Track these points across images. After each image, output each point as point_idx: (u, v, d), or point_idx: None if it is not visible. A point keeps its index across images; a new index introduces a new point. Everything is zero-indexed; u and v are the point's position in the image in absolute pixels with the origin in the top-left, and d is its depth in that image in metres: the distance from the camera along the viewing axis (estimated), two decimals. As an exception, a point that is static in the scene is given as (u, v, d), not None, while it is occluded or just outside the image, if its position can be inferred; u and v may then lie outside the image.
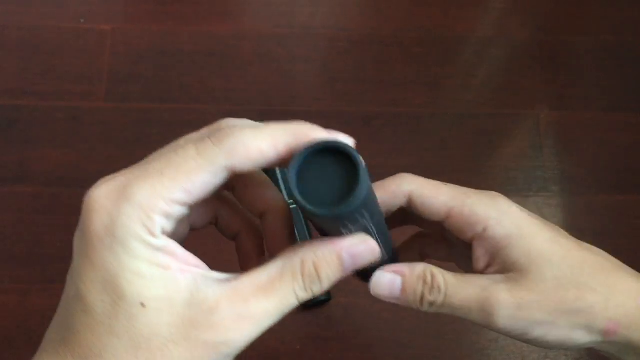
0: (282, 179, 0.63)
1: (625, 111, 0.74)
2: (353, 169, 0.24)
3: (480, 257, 0.33)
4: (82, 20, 0.74)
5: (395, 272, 0.33)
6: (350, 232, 0.28)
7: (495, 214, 0.33)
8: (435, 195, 0.34)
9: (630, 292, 0.32)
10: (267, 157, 0.26)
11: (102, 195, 0.25)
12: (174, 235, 0.27)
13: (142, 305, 0.24)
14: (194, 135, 0.28)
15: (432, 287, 0.33)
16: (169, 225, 0.26)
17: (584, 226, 0.68)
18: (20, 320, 0.59)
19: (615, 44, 0.78)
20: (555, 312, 0.31)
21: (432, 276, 0.33)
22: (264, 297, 0.26)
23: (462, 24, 0.78)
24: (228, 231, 0.34)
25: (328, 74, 0.73)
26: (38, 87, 0.70)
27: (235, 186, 0.31)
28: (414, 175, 0.36)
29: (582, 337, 0.31)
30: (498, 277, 0.32)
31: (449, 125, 0.72)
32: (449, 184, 0.35)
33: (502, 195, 0.35)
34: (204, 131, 0.28)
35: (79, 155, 0.66)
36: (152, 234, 0.25)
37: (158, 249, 0.25)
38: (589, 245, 0.36)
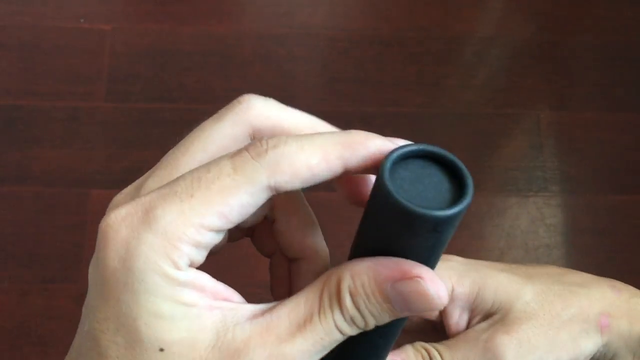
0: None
1: (625, 111, 0.74)
2: (454, 178, 0.21)
3: (457, 318, 0.32)
4: (82, 20, 0.74)
5: None
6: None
7: (454, 272, 0.33)
8: None
9: (600, 284, 0.32)
10: (317, 173, 0.22)
11: (119, 220, 0.21)
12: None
13: (161, 350, 0.21)
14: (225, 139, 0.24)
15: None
16: (198, 255, 0.22)
17: (584, 226, 0.68)
18: (20, 319, 0.59)
19: (616, 44, 0.78)
20: (553, 330, 0.31)
21: (427, 352, 0.31)
22: (300, 335, 0.22)
23: (462, 24, 0.78)
24: (263, 249, 0.29)
25: (328, 74, 0.73)
26: (38, 87, 0.70)
27: (276, 218, 0.26)
28: None
29: (586, 344, 0.31)
30: (484, 324, 0.31)
31: (449, 125, 0.72)
32: None
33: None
34: (229, 117, 0.24)
35: (78, 155, 0.66)
36: (178, 267, 0.21)
37: (183, 284, 0.21)
38: (533, 265, 0.36)
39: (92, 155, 0.67)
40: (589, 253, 0.66)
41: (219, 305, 0.22)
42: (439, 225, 0.21)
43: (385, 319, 0.22)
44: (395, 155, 0.21)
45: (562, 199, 0.69)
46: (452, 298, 0.32)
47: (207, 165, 0.22)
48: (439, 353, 0.31)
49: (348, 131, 0.22)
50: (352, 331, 0.22)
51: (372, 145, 0.22)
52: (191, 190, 0.21)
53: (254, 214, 0.24)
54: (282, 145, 0.22)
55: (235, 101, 0.24)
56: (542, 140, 0.72)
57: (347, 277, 0.22)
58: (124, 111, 0.69)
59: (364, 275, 0.22)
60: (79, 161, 0.66)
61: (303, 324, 0.22)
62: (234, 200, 0.21)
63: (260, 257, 0.70)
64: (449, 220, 0.20)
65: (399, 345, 0.33)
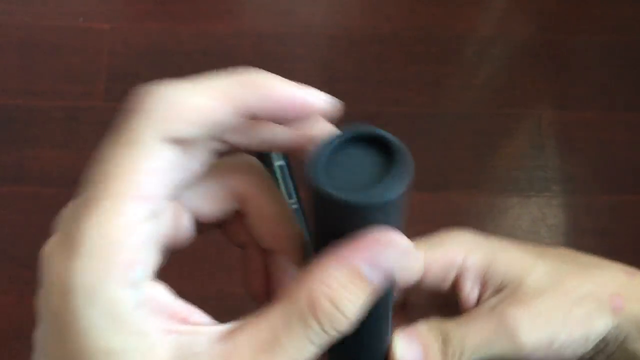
0: (282, 176, 0.63)
1: (627, 111, 0.74)
2: (390, 157, 0.20)
3: (469, 291, 0.31)
4: (81, 20, 0.74)
5: (412, 341, 0.28)
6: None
7: (465, 245, 0.32)
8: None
9: (613, 266, 0.32)
10: (211, 116, 0.20)
11: (50, 251, 0.19)
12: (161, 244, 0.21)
13: None
14: None
15: (447, 344, 0.29)
16: (150, 257, 0.19)
17: (585, 226, 0.68)
18: (19, 320, 0.59)
19: (617, 44, 0.78)
20: (567, 305, 0.30)
21: (441, 329, 0.30)
22: (267, 359, 0.20)
23: (463, 23, 0.78)
24: (235, 240, 0.27)
25: (328, 73, 0.73)
26: (37, 86, 0.70)
27: (247, 212, 0.25)
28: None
29: (599, 322, 0.31)
30: (495, 299, 0.31)
31: (449, 125, 0.72)
32: None
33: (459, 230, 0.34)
34: None
35: (77, 154, 0.66)
36: (124, 284, 0.18)
37: (135, 305, 0.19)
38: (545, 246, 0.35)
39: (91, 155, 0.66)
40: (591, 253, 0.65)
41: (176, 329, 0.20)
42: (378, 209, 0.20)
43: (366, 300, 0.20)
44: (324, 146, 0.20)
45: (563, 199, 0.69)
46: (464, 269, 0.31)
47: (107, 157, 0.20)
48: (452, 330, 0.30)
49: (246, 71, 0.21)
50: (329, 339, 0.20)
51: (276, 86, 0.21)
52: (96, 192, 0.19)
53: (220, 209, 0.23)
54: (171, 92, 0.20)
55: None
56: (543, 140, 0.72)
57: (318, 284, 0.20)
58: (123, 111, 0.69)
59: (335, 272, 0.20)
60: (77, 161, 0.66)
61: (269, 347, 0.20)
62: (140, 177, 0.19)
63: (259, 258, 0.67)
64: (382, 203, 0.19)
65: (410, 322, 0.32)
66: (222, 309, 0.66)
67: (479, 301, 0.31)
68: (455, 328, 0.29)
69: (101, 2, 0.75)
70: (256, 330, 0.20)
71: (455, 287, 0.32)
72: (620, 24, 0.79)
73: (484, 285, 0.31)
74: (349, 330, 0.20)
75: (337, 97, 0.74)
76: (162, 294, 0.20)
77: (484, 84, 0.74)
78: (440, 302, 0.34)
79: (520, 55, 0.77)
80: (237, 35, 0.74)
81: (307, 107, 0.22)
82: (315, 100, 0.22)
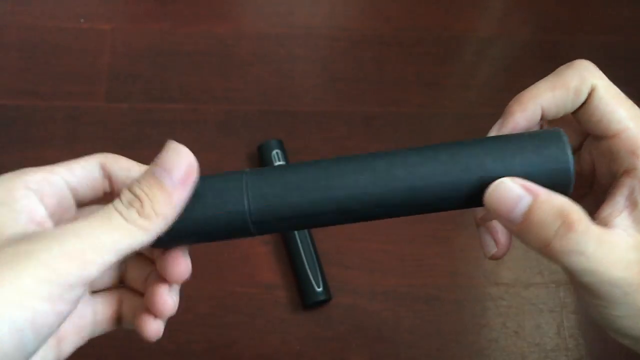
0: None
1: (625, 111, 0.74)
2: None
3: (620, 198, 0.28)
4: (82, 20, 0.74)
5: (526, 188, 0.26)
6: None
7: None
8: (616, 105, 0.29)
9: None
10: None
11: None
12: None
13: None
14: None
15: (569, 230, 0.25)
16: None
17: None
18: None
19: (616, 44, 0.78)
20: None
21: (574, 215, 0.25)
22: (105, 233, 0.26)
23: (463, 23, 0.78)
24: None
25: (328, 74, 0.73)
26: (38, 87, 0.70)
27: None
28: (594, 67, 0.30)
29: None
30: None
31: (449, 125, 0.72)
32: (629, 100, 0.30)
33: None
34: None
35: (78, 155, 0.66)
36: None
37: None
38: None
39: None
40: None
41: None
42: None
43: (161, 195, 0.28)
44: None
45: (562, 199, 0.69)
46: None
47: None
48: (590, 233, 0.26)
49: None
50: (132, 214, 0.27)
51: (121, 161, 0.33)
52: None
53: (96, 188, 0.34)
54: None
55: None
56: (542, 140, 0.72)
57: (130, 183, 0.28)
58: (123, 111, 0.69)
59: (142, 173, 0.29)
60: (78, 161, 0.66)
61: (105, 227, 0.27)
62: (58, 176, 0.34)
63: (260, 257, 0.71)
64: None
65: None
66: (222, 308, 0.67)
67: (620, 213, 0.27)
68: (595, 230, 0.26)
69: (102, 3, 0.75)
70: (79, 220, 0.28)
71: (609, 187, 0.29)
72: (620, 24, 0.79)
73: (635, 204, 0.27)
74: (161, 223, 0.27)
75: (337, 97, 0.75)
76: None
77: (483, 84, 0.74)
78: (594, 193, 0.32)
79: (519, 56, 0.77)
80: (237, 36, 0.74)
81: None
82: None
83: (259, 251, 0.63)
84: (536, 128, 0.32)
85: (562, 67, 0.31)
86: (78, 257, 0.24)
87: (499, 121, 0.32)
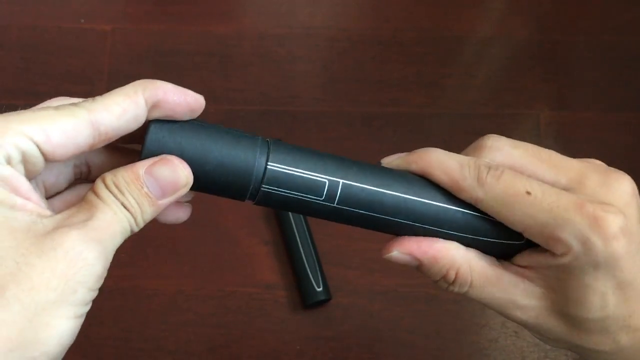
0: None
1: (625, 111, 0.74)
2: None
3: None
4: (82, 21, 0.74)
5: (412, 257, 0.34)
6: None
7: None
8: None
9: None
10: (127, 107, 0.29)
11: None
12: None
13: None
14: None
15: (455, 283, 0.33)
16: (17, 156, 0.25)
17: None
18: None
19: (615, 44, 0.78)
20: None
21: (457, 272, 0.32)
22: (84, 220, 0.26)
23: (462, 23, 0.78)
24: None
25: (328, 74, 0.73)
26: (38, 87, 0.70)
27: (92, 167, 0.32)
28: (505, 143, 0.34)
29: None
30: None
31: (449, 125, 0.72)
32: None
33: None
34: None
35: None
36: None
37: None
38: None
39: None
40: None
41: (26, 208, 0.26)
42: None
43: (141, 197, 0.28)
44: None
45: (562, 199, 0.69)
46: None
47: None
48: (472, 277, 0.34)
49: (140, 81, 0.32)
50: (117, 204, 0.27)
51: (164, 88, 0.32)
52: (20, 114, 0.27)
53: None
54: (102, 97, 0.28)
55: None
56: (542, 140, 0.72)
57: (110, 174, 0.28)
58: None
59: (123, 173, 0.28)
60: (79, 161, 0.66)
61: (86, 213, 0.26)
62: (58, 124, 0.26)
63: (260, 257, 0.71)
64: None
65: None
66: (222, 308, 0.67)
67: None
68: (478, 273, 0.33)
69: (102, 3, 0.75)
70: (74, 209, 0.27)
71: None
72: (620, 24, 0.79)
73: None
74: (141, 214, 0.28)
75: (337, 97, 0.75)
76: (24, 181, 0.26)
77: (483, 85, 0.74)
78: None
79: (519, 56, 0.77)
80: (237, 36, 0.74)
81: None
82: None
83: (259, 251, 0.63)
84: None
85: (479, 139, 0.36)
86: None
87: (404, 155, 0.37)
